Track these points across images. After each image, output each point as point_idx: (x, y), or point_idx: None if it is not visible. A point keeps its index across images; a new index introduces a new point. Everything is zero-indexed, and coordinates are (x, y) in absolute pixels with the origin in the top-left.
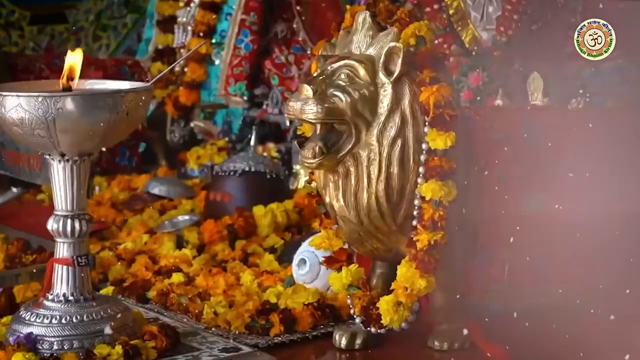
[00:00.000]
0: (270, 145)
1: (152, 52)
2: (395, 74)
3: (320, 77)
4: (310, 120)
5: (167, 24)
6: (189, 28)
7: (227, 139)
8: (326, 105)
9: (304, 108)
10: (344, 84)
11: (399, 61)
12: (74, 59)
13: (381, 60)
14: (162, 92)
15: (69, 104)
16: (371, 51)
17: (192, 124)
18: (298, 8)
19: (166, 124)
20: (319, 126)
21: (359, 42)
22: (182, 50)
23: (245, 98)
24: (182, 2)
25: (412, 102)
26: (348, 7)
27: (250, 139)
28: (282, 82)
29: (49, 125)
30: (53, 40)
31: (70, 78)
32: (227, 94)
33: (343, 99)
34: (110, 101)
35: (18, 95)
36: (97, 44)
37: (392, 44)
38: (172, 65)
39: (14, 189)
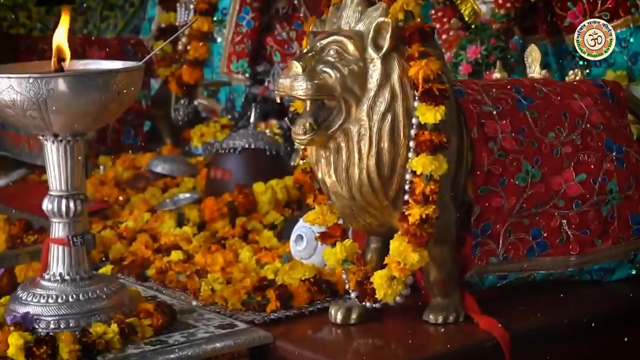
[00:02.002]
0: (273, 121)
1: (155, 31)
2: (384, 49)
3: (310, 54)
4: (299, 96)
5: (170, 2)
6: (191, 6)
7: (230, 116)
8: (316, 81)
9: (294, 84)
10: (333, 60)
11: (388, 36)
12: (59, 37)
13: (370, 36)
14: (165, 70)
15: (60, 84)
16: (360, 27)
17: (196, 102)
18: None
19: (170, 103)
20: (308, 103)
21: (348, 17)
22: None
23: (247, 75)
24: None
25: (401, 77)
26: None
27: (250, 116)
28: (284, 58)
29: (41, 106)
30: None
31: (62, 58)
32: (229, 72)
33: (332, 75)
34: (101, 81)
35: (9, 77)
36: (105, 23)
37: (381, 19)
38: (163, 44)
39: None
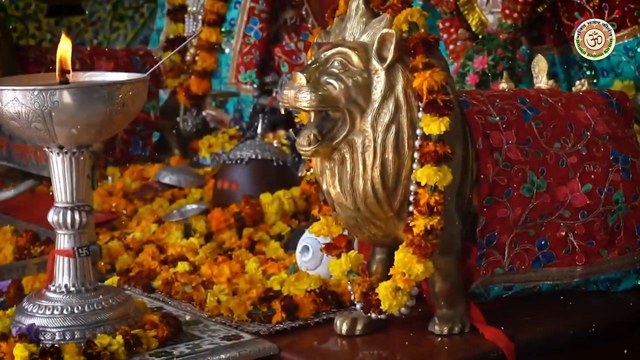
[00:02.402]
0: (281, 132)
1: (164, 42)
2: (388, 61)
3: (314, 65)
4: (304, 108)
5: (178, 13)
6: (199, 17)
7: (238, 127)
8: (320, 93)
9: (298, 96)
10: (337, 71)
11: (392, 47)
12: (63, 48)
13: (374, 47)
14: (174, 81)
15: (65, 96)
16: (364, 38)
17: (204, 113)
18: None
19: (179, 113)
20: (313, 114)
21: (353, 29)
22: (192, 40)
23: (255, 86)
24: None
25: (405, 88)
26: None
27: (257, 126)
28: (292, 69)
29: (46, 118)
30: (70, 31)
31: (66, 70)
32: (237, 82)
33: (336, 86)
34: (106, 93)
35: (14, 89)
36: (115, 34)
37: (385, 30)
38: (168, 55)
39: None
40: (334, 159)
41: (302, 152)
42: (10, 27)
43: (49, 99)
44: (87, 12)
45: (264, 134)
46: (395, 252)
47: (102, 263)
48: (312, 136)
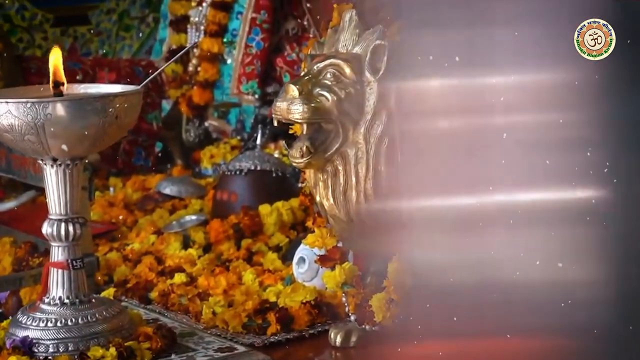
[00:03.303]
0: (282, 142)
1: (166, 52)
2: (381, 72)
3: (307, 77)
4: (296, 120)
5: (180, 24)
6: (202, 27)
7: (239, 137)
8: (312, 105)
9: (291, 108)
10: (330, 83)
11: (385, 59)
12: (55, 59)
13: (367, 58)
14: (176, 92)
15: (58, 109)
16: (357, 49)
17: (206, 123)
18: (308, 5)
19: (181, 124)
20: (305, 126)
21: (346, 40)
22: (194, 50)
23: (257, 96)
24: (194, 1)
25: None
26: (335, 5)
27: (257, 137)
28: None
29: (39, 130)
30: (76, 41)
31: (60, 83)
32: (239, 93)
33: (329, 98)
34: (99, 105)
35: (7, 102)
36: (121, 44)
37: (378, 41)
38: (164, 66)
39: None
40: (327, 171)
41: (295, 164)
42: (17, 37)
43: (41, 112)
44: (93, 22)
45: (265, 145)
46: (389, 264)
47: (100, 275)
48: (304, 148)
